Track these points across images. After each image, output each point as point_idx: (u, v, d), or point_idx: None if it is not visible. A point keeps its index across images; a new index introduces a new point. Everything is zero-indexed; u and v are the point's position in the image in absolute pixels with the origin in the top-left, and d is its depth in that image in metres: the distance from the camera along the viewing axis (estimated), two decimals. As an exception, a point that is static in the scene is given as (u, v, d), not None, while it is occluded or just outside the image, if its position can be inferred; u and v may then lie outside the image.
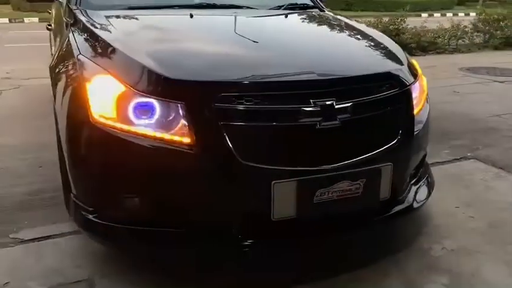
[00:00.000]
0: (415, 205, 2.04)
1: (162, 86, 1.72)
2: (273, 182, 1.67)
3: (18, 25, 14.37)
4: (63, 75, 2.05)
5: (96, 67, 1.87)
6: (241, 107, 1.68)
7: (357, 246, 2.10)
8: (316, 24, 2.58)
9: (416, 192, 2.08)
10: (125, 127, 1.73)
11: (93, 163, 1.80)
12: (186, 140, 1.69)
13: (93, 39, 2.08)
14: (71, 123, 1.88)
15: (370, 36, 2.49)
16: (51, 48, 4.84)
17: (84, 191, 1.89)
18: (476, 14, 10.49)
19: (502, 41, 9.56)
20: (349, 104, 1.77)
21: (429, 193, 2.18)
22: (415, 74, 2.12)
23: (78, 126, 1.83)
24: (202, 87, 1.71)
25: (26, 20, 15.06)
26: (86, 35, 2.15)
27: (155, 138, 1.71)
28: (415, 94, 2.06)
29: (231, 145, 1.66)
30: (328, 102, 1.73)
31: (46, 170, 3.02)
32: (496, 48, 9.41)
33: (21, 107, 4.59)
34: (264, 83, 1.75)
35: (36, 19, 14.91)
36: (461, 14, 19.11)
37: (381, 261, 2.00)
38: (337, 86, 1.79)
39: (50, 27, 3.48)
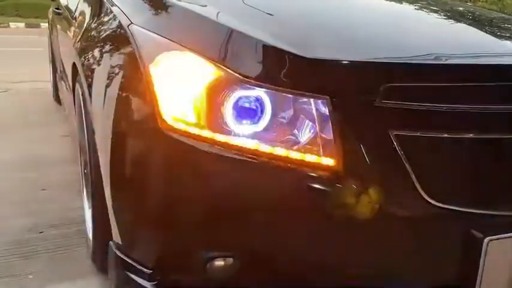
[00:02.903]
0: None
1: (290, 70, 1.03)
2: (487, 238, 0.98)
3: (3, 30, 13.53)
4: (105, 58, 1.33)
5: (164, 41, 1.16)
6: (428, 107, 0.99)
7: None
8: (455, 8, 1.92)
9: None
10: (220, 138, 1.03)
11: (162, 196, 1.08)
12: (327, 161, 1.00)
13: (150, 1, 1.39)
14: (122, 130, 1.15)
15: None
16: (50, 46, 4.11)
17: (140, 241, 1.17)
18: None
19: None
20: None
21: None
22: None
23: (136, 136, 1.12)
24: (362, 74, 1.02)
25: (12, 25, 14.26)
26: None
27: (271, 157, 1.02)
28: None
29: (411, 172, 0.98)
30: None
31: (51, 194, 2.28)
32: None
33: (10, 115, 3.83)
34: (463, 67, 1.05)
35: (22, 24, 14.14)
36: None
37: None
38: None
39: (58, 10, 2.75)
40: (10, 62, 6.52)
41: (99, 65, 1.32)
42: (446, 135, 0.99)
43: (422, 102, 0.98)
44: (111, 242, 1.26)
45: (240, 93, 1.05)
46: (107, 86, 1.22)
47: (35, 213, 2.05)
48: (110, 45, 1.30)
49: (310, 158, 1.01)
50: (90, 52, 1.41)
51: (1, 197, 2.21)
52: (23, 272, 1.62)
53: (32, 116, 3.84)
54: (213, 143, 1.03)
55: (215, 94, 1.06)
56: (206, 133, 1.04)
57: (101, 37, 1.39)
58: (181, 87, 1.08)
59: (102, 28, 1.42)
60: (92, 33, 1.49)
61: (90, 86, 1.33)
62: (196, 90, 1.06)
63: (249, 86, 1.05)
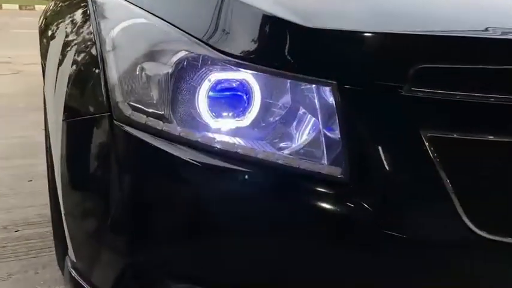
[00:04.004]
0: None
1: (287, 46, 0.74)
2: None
3: (28, 12, 13.57)
4: (60, 31, 1.07)
5: (129, 7, 0.92)
6: (479, 99, 0.69)
7: None
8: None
9: None
10: (191, 135, 0.77)
11: (118, 208, 0.82)
12: (332, 170, 0.73)
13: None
14: (72, 120, 0.90)
15: None
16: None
17: (95, 262, 0.94)
18: None
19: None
20: None
21: None
22: None
23: (87, 129, 0.87)
24: (386, 50, 0.72)
25: (37, 7, 14.29)
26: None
27: (258, 163, 0.75)
28: None
29: (451, 190, 0.70)
30: None
31: (36, 186, 2.07)
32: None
33: (16, 98, 3.67)
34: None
35: (48, 7, 14.22)
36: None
37: None
38: None
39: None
40: (26, 44, 6.41)
41: (52, 38, 1.07)
42: (505, 139, 0.70)
43: (471, 92, 0.69)
44: (67, 257, 1.03)
45: (219, 75, 0.78)
46: (59, 64, 0.97)
47: (14, 208, 1.86)
48: (67, 15, 1.04)
49: (309, 165, 0.74)
50: (49, 26, 1.16)
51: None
52: (-14, 277, 1.42)
53: (39, 100, 3.68)
54: (182, 141, 0.78)
55: (187, 76, 0.79)
56: (173, 128, 0.78)
57: (60, 9, 1.14)
58: (143, 66, 0.82)
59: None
60: (52, 7, 1.24)
61: (44, 64, 1.08)
62: (162, 71, 0.80)
63: (231, 66, 0.78)
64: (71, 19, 1.03)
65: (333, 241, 0.71)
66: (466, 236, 0.68)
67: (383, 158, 0.71)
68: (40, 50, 1.16)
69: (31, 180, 2.12)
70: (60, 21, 1.08)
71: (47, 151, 1.13)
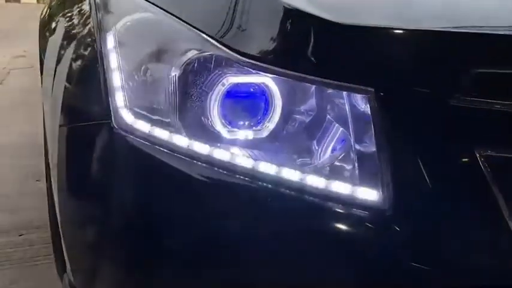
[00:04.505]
0: None
1: (314, 46, 0.63)
2: None
3: (42, 6, 13.66)
4: (58, 29, 0.98)
5: (135, 1, 0.82)
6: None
7: None
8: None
9: None
10: (201, 147, 0.67)
11: (116, 224, 0.74)
12: (366, 193, 0.62)
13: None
14: (69, 126, 0.81)
15: None
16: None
17: (92, 279, 0.84)
18: None
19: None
20: None
21: None
22: None
23: (84, 136, 0.78)
24: (434, 53, 0.60)
25: (55, 1, 14.40)
26: None
27: (277, 182, 0.64)
28: None
29: (508, 217, 0.59)
30: None
31: (45, 187, 2.01)
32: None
33: (28, 92, 3.61)
34: None
35: (65, 1, 14.27)
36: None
37: None
38: None
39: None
40: (43, 38, 6.41)
41: (52, 34, 0.98)
42: None
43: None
44: (65, 274, 0.95)
45: (234, 79, 0.68)
46: (57, 62, 0.88)
47: (20, 210, 1.78)
48: (68, 8, 0.95)
49: (338, 185, 0.63)
50: (50, 19, 1.07)
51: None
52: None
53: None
54: (190, 153, 0.67)
55: (197, 79, 0.70)
56: (181, 138, 0.68)
57: (60, 5, 1.04)
58: (148, 67, 0.72)
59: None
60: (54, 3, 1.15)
61: (42, 63, 0.99)
62: (169, 73, 0.70)
63: (249, 68, 0.68)
64: (71, 12, 0.93)
65: (366, 279, 0.61)
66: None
67: (427, 179, 0.60)
68: (39, 45, 1.07)
69: (39, 180, 2.04)
70: (61, 14, 0.99)
71: (45, 156, 1.04)
